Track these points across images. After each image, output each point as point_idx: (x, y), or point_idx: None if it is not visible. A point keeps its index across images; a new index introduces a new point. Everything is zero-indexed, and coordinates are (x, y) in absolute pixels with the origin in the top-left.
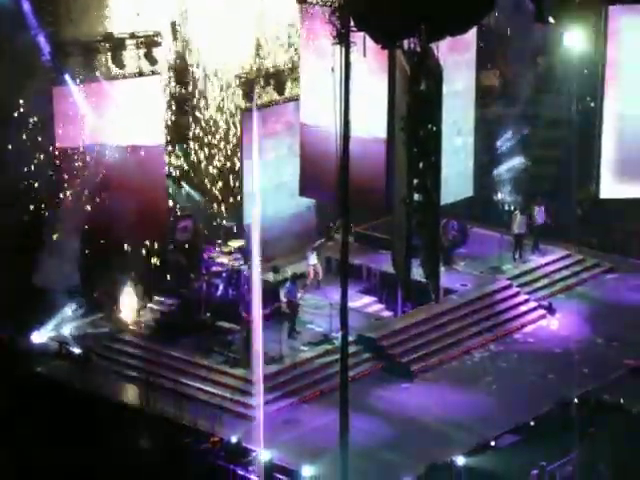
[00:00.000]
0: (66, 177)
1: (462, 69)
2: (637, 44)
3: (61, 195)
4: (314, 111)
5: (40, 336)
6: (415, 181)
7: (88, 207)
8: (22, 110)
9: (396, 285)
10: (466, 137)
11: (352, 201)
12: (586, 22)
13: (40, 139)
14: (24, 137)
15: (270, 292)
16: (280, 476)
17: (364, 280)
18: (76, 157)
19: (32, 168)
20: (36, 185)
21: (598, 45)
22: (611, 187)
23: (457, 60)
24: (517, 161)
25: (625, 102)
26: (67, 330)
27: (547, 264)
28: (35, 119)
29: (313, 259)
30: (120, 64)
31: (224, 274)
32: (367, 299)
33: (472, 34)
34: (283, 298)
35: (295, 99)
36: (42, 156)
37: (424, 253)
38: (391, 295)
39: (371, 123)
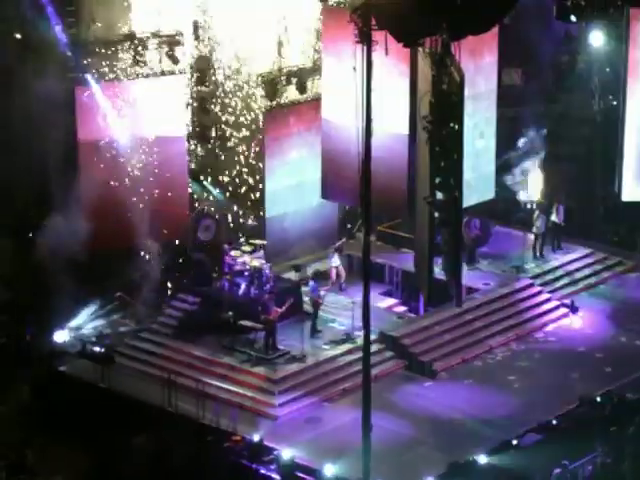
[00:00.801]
0: (88, 175)
1: (484, 72)
2: None
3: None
4: (336, 110)
5: (63, 335)
6: (437, 180)
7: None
8: (44, 108)
9: (418, 283)
10: (488, 140)
11: (374, 203)
12: (608, 20)
13: (62, 138)
14: (46, 134)
15: (292, 291)
16: (302, 475)
17: (386, 279)
18: (98, 156)
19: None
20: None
21: (620, 44)
22: (633, 190)
23: (479, 64)
24: (538, 159)
25: None
26: (89, 329)
27: (569, 262)
28: (58, 117)
29: (336, 260)
30: (142, 63)
31: (246, 273)
32: (390, 301)
33: (494, 37)
34: (306, 296)
35: (317, 98)
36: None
37: (446, 252)
38: (413, 294)
39: (393, 123)
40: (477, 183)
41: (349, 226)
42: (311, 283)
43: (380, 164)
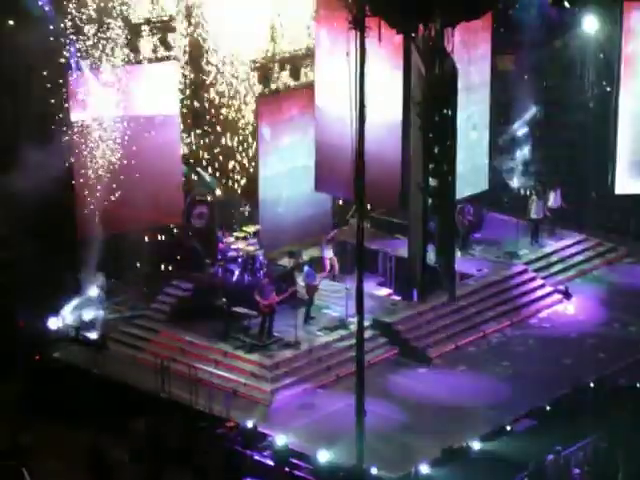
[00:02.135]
0: (81, 164)
1: (477, 64)
2: None
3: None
4: (329, 98)
5: (57, 322)
6: (431, 166)
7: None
8: (37, 94)
9: (412, 270)
10: (481, 132)
11: (367, 195)
12: (602, 6)
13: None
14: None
15: (287, 277)
16: (296, 461)
17: (380, 266)
18: (91, 143)
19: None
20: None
21: (613, 29)
22: (627, 182)
23: (472, 55)
24: (532, 145)
25: None
26: (83, 316)
27: (563, 249)
28: (50, 102)
29: (329, 252)
30: (136, 50)
31: (240, 259)
32: (385, 290)
33: (487, 28)
34: (301, 282)
35: (310, 84)
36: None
37: (439, 238)
38: (407, 280)
39: (386, 113)
40: (470, 175)
41: (350, 214)
42: (306, 268)
43: (373, 157)
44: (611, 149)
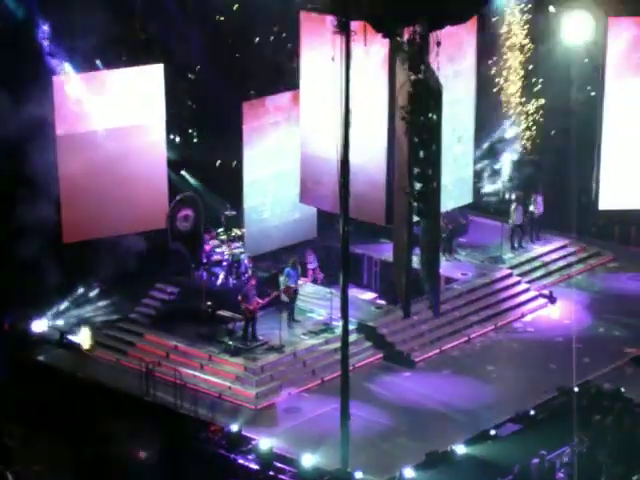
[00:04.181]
0: (65, 164)
1: (463, 77)
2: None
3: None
4: (314, 105)
5: (41, 324)
6: (416, 170)
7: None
8: (22, 98)
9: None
10: (466, 144)
11: (352, 210)
12: (587, 11)
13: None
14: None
15: (269, 280)
16: (281, 464)
17: (364, 271)
18: (76, 145)
19: (31, 155)
20: (35, 173)
21: (599, 35)
22: (611, 197)
23: (457, 69)
24: (516, 150)
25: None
26: (68, 319)
27: (547, 253)
28: (34, 107)
29: (313, 262)
30: (120, 53)
31: (224, 263)
32: (370, 294)
33: (473, 42)
34: (282, 285)
35: (296, 87)
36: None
37: (424, 244)
38: (392, 285)
39: (372, 121)
40: (455, 187)
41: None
42: (287, 270)
43: (359, 171)
44: (595, 163)
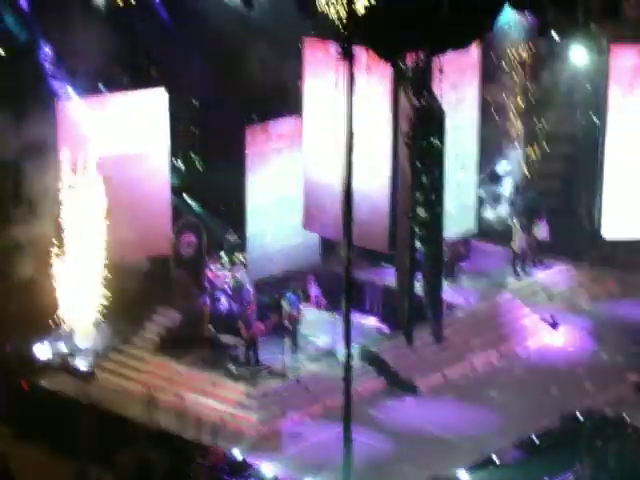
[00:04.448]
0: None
1: (466, 105)
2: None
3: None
4: (317, 131)
5: (44, 350)
6: (419, 196)
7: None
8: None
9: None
10: (469, 171)
11: (356, 236)
12: (590, 38)
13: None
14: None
15: (271, 306)
16: None
17: (367, 296)
18: (80, 171)
19: (34, 182)
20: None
21: (602, 62)
22: (615, 226)
23: (460, 96)
24: (519, 176)
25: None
26: (71, 344)
27: (550, 279)
28: (36, 128)
29: (315, 289)
30: (126, 76)
31: (227, 288)
32: (372, 320)
33: (476, 69)
34: (285, 311)
35: (299, 114)
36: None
37: (427, 270)
38: (394, 309)
39: (375, 148)
40: (458, 214)
41: None
42: (289, 296)
43: (362, 198)
44: (598, 191)
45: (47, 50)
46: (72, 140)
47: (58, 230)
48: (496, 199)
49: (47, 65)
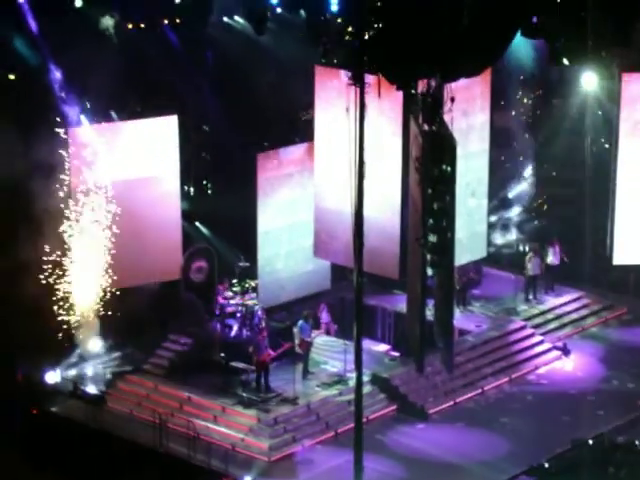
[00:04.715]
0: (81, 216)
1: (476, 131)
2: None
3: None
4: (329, 158)
5: (55, 375)
6: (430, 221)
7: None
8: (37, 153)
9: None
10: (480, 199)
11: (367, 263)
12: (601, 64)
13: (55, 181)
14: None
15: (282, 332)
16: None
17: (378, 322)
18: (91, 197)
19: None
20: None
21: (613, 88)
22: (626, 252)
23: (471, 123)
24: (531, 201)
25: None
26: (81, 370)
27: (562, 305)
28: (49, 160)
29: (326, 316)
30: (136, 102)
31: (238, 314)
32: (383, 346)
33: (486, 96)
34: (296, 338)
35: (310, 139)
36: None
37: (438, 295)
38: (405, 336)
39: (385, 176)
40: (469, 242)
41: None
42: (301, 323)
43: (373, 225)
44: (609, 217)
45: (57, 75)
46: (83, 164)
47: (65, 254)
48: (507, 225)
49: (57, 90)
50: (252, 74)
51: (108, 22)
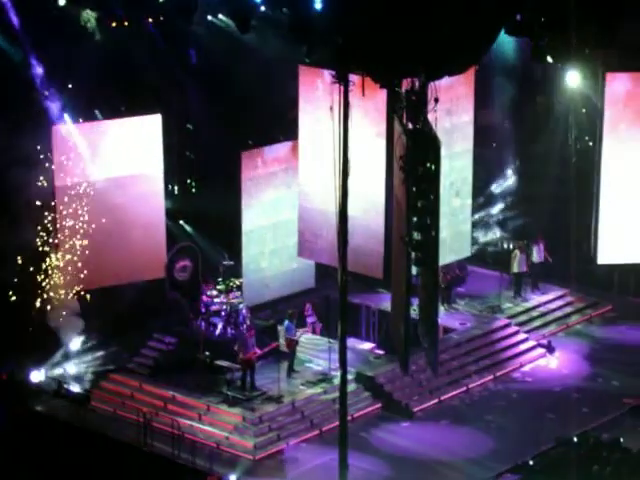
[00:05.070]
0: (64, 215)
1: (460, 132)
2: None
3: (59, 234)
4: (313, 157)
5: (39, 374)
6: (414, 219)
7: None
8: (20, 149)
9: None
10: (464, 199)
11: (351, 263)
12: (585, 64)
13: (37, 177)
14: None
15: (269, 331)
16: None
17: (362, 320)
18: (74, 195)
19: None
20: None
21: (596, 86)
22: (609, 252)
23: (455, 123)
24: (515, 199)
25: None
26: (66, 369)
27: (546, 303)
28: (33, 158)
29: (312, 316)
30: (120, 100)
31: (223, 313)
32: (368, 344)
33: (470, 96)
34: (281, 337)
35: (295, 138)
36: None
37: (422, 293)
38: (390, 334)
39: (370, 174)
40: (453, 242)
41: None
42: (286, 322)
43: (357, 225)
44: (593, 215)
45: (39, 70)
46: (66, 160)
47: (48, 252)
48: (491, 223)
49: (39, 86)
50: (236, 72)
51: (89, 15)
